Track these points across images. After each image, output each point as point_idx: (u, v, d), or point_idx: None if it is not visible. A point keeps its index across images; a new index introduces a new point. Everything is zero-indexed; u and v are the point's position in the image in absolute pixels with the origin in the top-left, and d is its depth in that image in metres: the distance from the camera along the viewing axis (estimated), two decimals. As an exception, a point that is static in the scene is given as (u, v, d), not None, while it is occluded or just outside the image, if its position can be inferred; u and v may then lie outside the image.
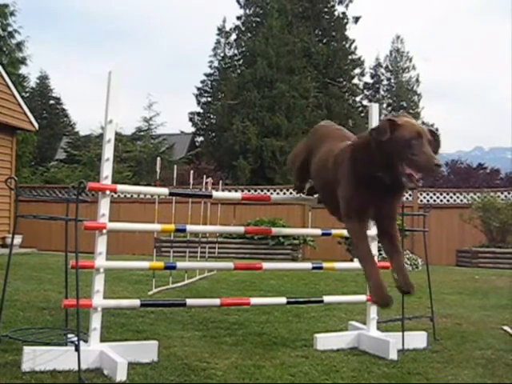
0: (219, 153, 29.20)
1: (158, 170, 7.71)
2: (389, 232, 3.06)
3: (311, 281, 8.08)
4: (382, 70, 38.16)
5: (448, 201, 14.90)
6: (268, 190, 15.49)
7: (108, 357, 3.36)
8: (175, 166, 9.10)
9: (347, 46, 32.52)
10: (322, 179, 3.48)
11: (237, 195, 5.13)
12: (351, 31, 32.62)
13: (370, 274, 2.94)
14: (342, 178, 3.03)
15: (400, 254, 3.07)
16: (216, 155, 28.83)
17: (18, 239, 12.57)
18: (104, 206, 3.59)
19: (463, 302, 6.71)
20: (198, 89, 32.94)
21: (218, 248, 10.12)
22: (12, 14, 21.93)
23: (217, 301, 4.22)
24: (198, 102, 32.88)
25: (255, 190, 15.54)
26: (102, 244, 3.56)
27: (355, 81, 34.21)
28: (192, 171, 9.77)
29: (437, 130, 36.68)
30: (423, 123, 36.50)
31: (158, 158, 8.03)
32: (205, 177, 9.33)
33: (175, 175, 8.23)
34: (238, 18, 31.95)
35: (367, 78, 36.48)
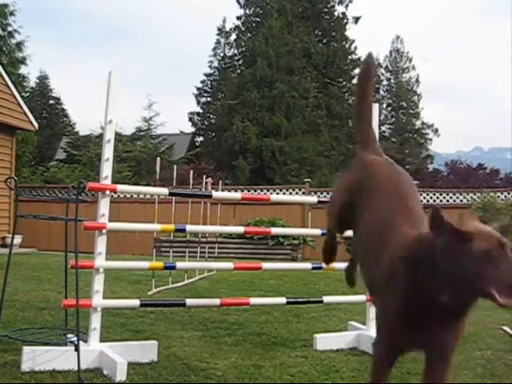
0: (219, 153, 29.21)
1: (158, 170, 7.71)
2: (435, 381, 2.24)
3: (311, 281, 8.08)
4: (382, 70, 38.16)
5: (448, 201, 14.91)
6: (268, 190, 15.49)
7: (108, 357, 3.36)
8: (175, 166, 9.10)
9: (347, 46, 32.54)
10: (369, 259, 2.54)
11: (236, 195, 5.13)
12: (351, 31, 32.69)
13: None
14: (393, 292, 2.26)
15: None
16: (216, 155, 28.84)
17: (17, 239, 12.57)
18: (104, 205, 3.59)
19: (463, 302, 6.70)
20: (198, 89, 32.97)
21: (218, 248, 10.12)
22: (12, 13, 21.94)
23: (216, 301, 4.22)
24: (198, 102, 32.91)
25: (255, 190, 15.55)
26: (101, 244, 3.56)
27: (355, 81, 34.17)
28: (192, 171, 9.77)
29: (437, 129, 36.64)
30: (423, 123, 36.57)
31: (158, 158, 8.03)
32: (204, 177, 9.34)
33: (175, 175, 8.23)
34: (238, 18, 31.98)
35: (367, 79, 36.43)
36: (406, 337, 2.24)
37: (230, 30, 32.45)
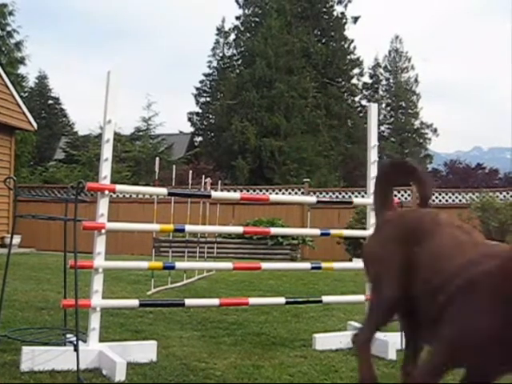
0: (218, 153, 29.21)
1: (157, 169, 7.71)
2: None
3: (310, 281, 8.08)
4: (381, 70, 38.17)
5: (447, 201, 14.93)
6: (267, 190, 15.49)
7: (107, 357, 3.36)
8: (174, 166, 9.09)
9: (346, 46, 32.58)
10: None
11: (236, 195, 5.14)
12: (350, 31, 32.76)
13: None
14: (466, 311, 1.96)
15: None
16: (215, 155, 28.84)
17: (16, 239, 12.57)
18: (103, 205, 3.59)
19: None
20: (197, 89, 32.99)
21: (217, 248, 10.12)
22: (11, 13, 21.96)
23: (216, 301, 4.22)
24: (197, 102, 32.92)
25: (254, 190, 15.55)
26: (100, 244, 3.56)
27: (354, 81, 34.25)
28: (191, 171, 9.77)
29: (436, 129, 36.61)
30: (422, 123, 36.56)
31: (157, 158, 8.03)
32: (204, 177, 9.33)
33: (174, 175, 8.23)
34: (237, 18, 32.00)
35: (366, 78, 36.56)
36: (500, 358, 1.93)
37: (229, 30, 32.49)
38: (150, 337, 4.16)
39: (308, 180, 16.53)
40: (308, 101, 29.06)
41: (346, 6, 32.50)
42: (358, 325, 4.53)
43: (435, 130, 36.80)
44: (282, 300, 4.30)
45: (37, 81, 35.22)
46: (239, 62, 32.15)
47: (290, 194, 15.31)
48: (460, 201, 14.71)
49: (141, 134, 25.54)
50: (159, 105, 47.88)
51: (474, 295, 1.94)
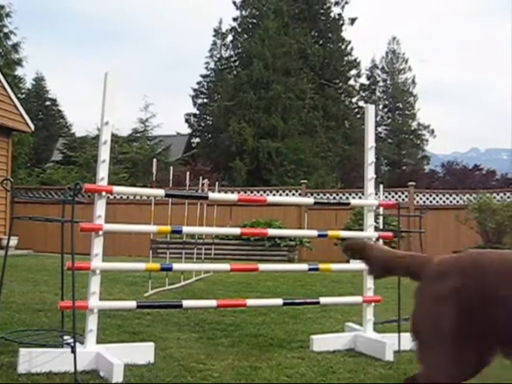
0: (215, 154, 29.21)
1: (154, 171, 7.70)
2: None
3: (307, 282, 8.08)
4: (378, 72, 38.23)
5: (444, 202, 14.95)
6: (264, 192, 15.49)
7: (104, 358, 3.36)
8: (171, 168, 9.09)
9: (343, 47, 32.60)
10: None
11: (233, 196, 5.14)
12: (347, 32, 32.74)
13: None
14: None
15: None
16: (212, 156, 28.84)
17: (13, 241, 12.55)
18: (100, 207, 3.59)
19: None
20: (195, 90, 32.97)
21: (215, 249, 10.12)
22: (8, 15, 21.97)
23: (213, 302, 4.22)
24: (195, 104, 32.92)
25: (251, 192, 15.54)
26: (98, 245, 3.56)
27: (351, 82, 34.29)
28: (188, 172, 9.78)
29: (433, 130, 36.70)
30: (419, 124, 36.61)
31: (154, 160, 8.02)
32: (201, 178, 9.33)
33: (171, 176, 8.23)
34: (235, 19, 32.01)
35: (363, 80, 36.62)
36: None
37: (227, 31, 32.50)
38: (147, 338, 4.16)
39: (305, 181, 16.53)
40: (305, 102, 29.08)
41: (343, 7, 32.55)
42: (355, 326, 4.54)
43: (432, 132, 36.87)
44: (279, 301, 4.30)
45: (34, 82, 35.23)
46: (236, 64, 32.15)
47: (287, 195, 15.31)
48: (457, 202, 14.73)
49: (138, 135, 25.53)
50: (156, 106, 47.86)
51: None
